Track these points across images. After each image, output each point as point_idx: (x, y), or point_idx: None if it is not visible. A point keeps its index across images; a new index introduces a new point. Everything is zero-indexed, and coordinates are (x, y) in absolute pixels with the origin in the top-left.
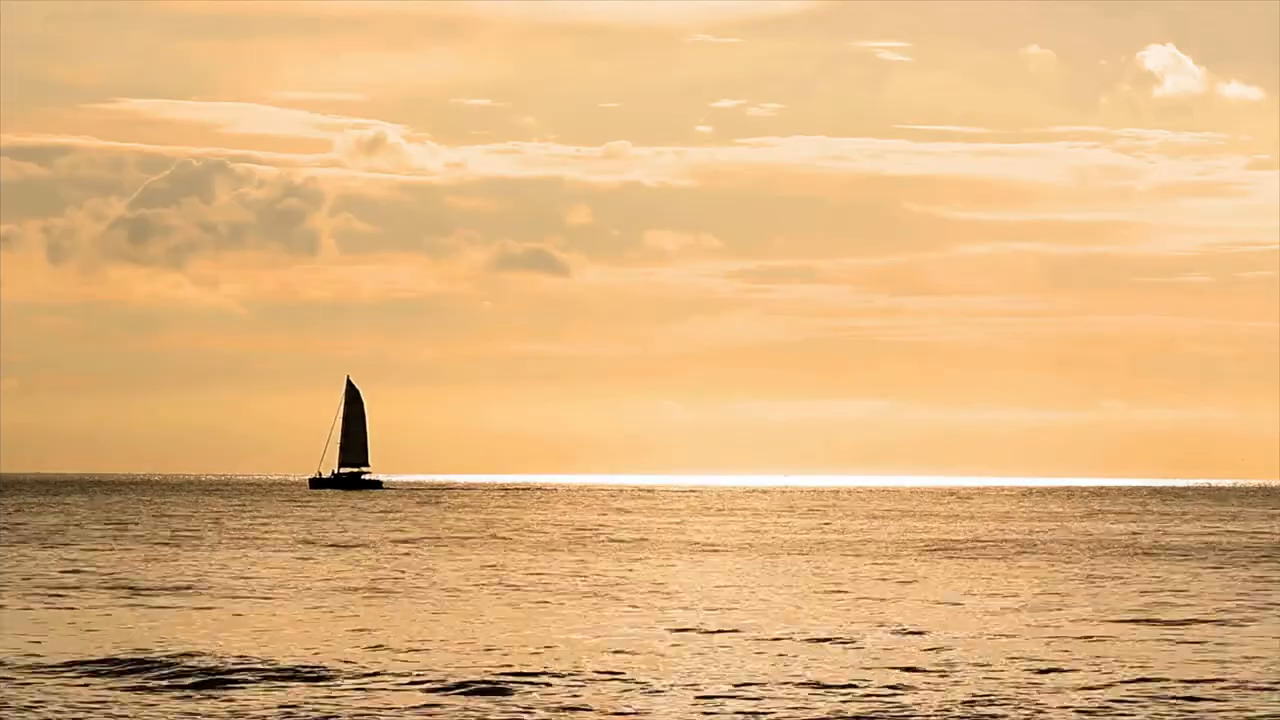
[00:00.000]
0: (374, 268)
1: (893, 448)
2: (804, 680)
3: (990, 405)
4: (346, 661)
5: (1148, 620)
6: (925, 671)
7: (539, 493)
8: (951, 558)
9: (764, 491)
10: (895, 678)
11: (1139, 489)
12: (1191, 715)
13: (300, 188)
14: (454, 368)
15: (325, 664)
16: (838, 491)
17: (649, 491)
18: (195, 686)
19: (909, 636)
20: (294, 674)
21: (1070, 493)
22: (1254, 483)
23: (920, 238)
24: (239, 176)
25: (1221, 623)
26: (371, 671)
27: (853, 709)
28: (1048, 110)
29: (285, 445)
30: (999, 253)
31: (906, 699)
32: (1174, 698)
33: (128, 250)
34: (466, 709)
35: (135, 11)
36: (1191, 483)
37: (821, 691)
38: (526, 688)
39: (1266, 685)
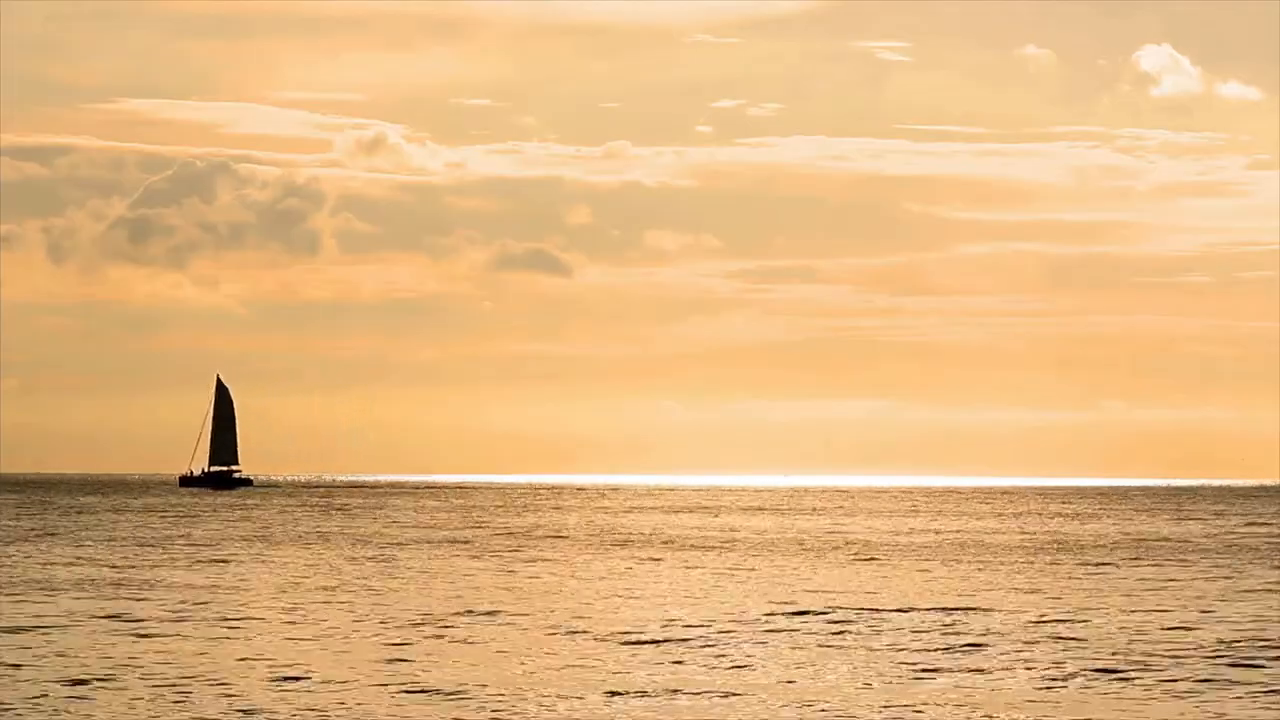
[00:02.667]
0: (374, 268)
1: (893, 448)
2: None
3: (990, 405)
4: None
5: None
6: None
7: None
8: None
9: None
10: None
11: (1148, 489)
12: None
13: (301, 188)
14: (454, 368)
15: None
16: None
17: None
18: None
19: None
20: None
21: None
22: (1254, 483)
23: (920, 238)
24: (240, 177)
25: None
26: None
27: None
28: (1048, 110)
29: (284, 444)
30: (999, 253)
31: None
32: None
33: (128, 250)
34: None
35: (135, 11)
36: (1193, 483)
37: None
38: None
39: None
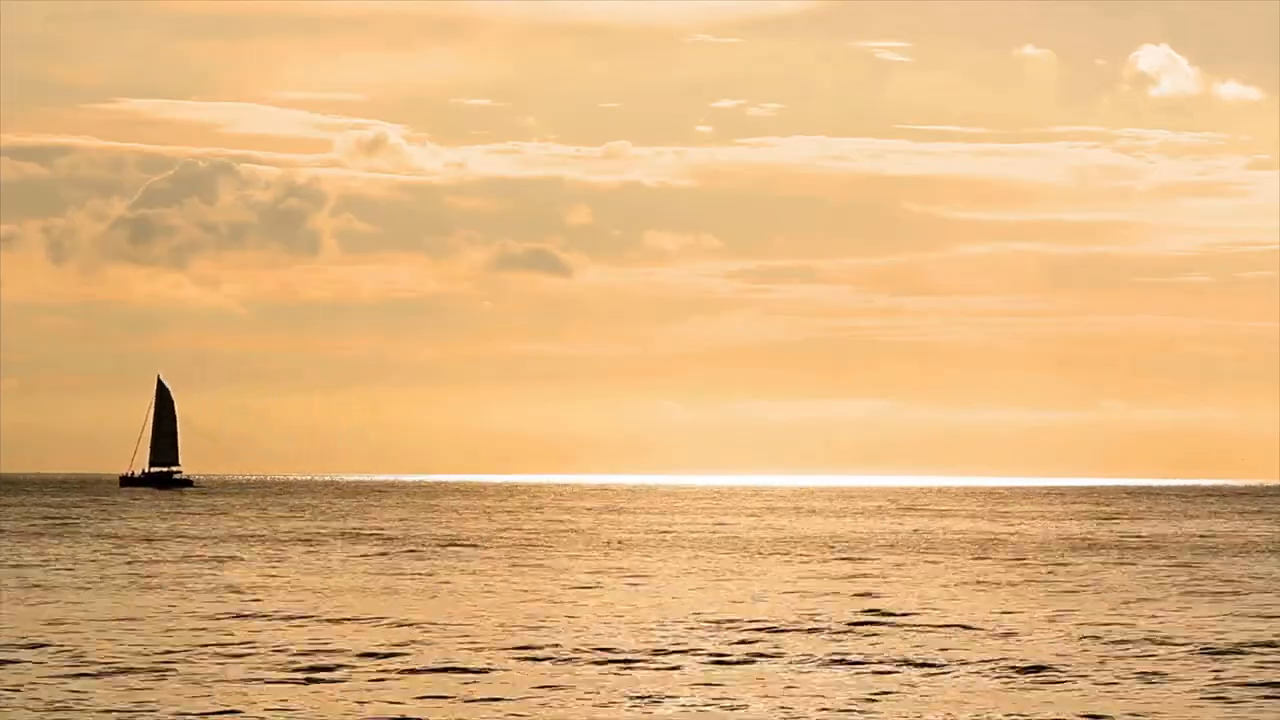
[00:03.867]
0: (374, 268)
1: (893, 448)
2: None
3: (990, 405)
4: None
5: None
6: None
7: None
8: None
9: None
10: None
11: (1147, 489)
12: None
13: (302, 188)
14: (454, 368)
15: None
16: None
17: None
18: None
19: None
20: None
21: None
22: (1254, 483)
23: (920, 238)
24: (241, 177)
25: None
26: None
27: None
28: (1047, 110)
29: (284, 444)
30: (999, 253)
31: None
32: None
33: (128, 250)
34: None
35: (135, 11)
36: (1194, 483)
37: None
38: None
39: None
